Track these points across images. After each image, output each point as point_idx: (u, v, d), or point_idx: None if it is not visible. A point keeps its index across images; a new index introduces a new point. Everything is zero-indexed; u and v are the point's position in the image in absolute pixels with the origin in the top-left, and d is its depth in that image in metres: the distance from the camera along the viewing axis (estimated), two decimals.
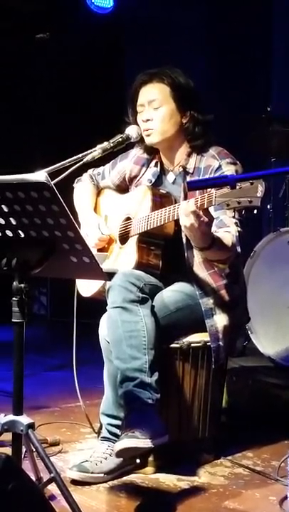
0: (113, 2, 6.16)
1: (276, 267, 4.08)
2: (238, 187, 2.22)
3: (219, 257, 2.70)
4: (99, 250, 3.02)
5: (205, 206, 2.43)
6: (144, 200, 2.85)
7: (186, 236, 2.70)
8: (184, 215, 2.49)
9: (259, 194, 2.20)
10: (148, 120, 2.86)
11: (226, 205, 2.29)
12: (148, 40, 6.07)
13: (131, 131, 2.89)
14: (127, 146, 2.93)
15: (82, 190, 3.18)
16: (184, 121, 2.88)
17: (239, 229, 2.70)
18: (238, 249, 2.72)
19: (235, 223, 2.70)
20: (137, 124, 2.92)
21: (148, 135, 2.88)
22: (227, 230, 2.69)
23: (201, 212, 2.46)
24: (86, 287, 3.04)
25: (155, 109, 2.86)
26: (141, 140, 2.93)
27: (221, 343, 2.77)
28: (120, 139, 2.85)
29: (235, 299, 2.84)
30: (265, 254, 4.15)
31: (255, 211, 2.26)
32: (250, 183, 2.21)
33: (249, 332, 4.08)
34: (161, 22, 5.99)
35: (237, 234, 2.69)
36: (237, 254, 2.75)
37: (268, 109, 4.59)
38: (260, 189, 2.20)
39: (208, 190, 2.38)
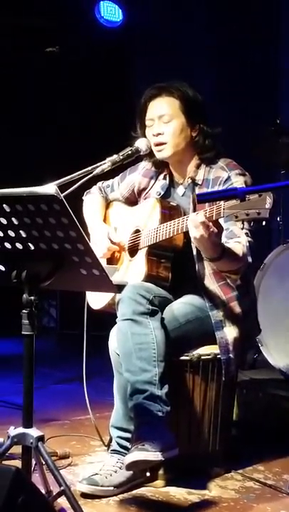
0: (122, 16, 6.21)
1: (286, 278, 4.07)
2: (246, 199, 2.23)
3: (230, 267, 2.70)
4: (108, 263, 3.02)
5: (214, 218, 2.45)
6: (153, 213, 2.86)
7: (196, 248, 2.70)
8: (193, 226, 2.49)
9: (267, 206, 2.20)
10: (159, 134, 2.86)
11: (235, 217, 2.29)
12: (155, 51, 6.08)
13: (140, 144, 2.89)
14: (136, 158, 2.94)
15: (92, 202, 3.19)
16: (194, 135, 2.88)
17: (250, 239, 2.70)
18: (249, 259, 2.71)
19: (246, 233, 2.70)
20: (145, 137, 2.92)
21: (160, 150, 2.87)
22: (237, 240, 2.69)
23: (210, 223, 2.46)
24: (96, 300, 3.04)
25: (166, 123, 2.85)
26: (150, 153, 2.93)
27: (231, 355, 2.77)
28: (130, 152, 2.85)
29: (245, 311, 2.83)
30: (275, 266, 4.14)
31: (264, 223, 2.26)
32: (258, 195, 2.21)
33: (259, 344, 4.06)
34: (168, 33, 6.00)
35: (247, 244, 2.68)
36: (248, 265, 2.75)
37: (277, 121, 4.59)
38: (268, 201, 2.20)
39: (217, 202, 2.39)
